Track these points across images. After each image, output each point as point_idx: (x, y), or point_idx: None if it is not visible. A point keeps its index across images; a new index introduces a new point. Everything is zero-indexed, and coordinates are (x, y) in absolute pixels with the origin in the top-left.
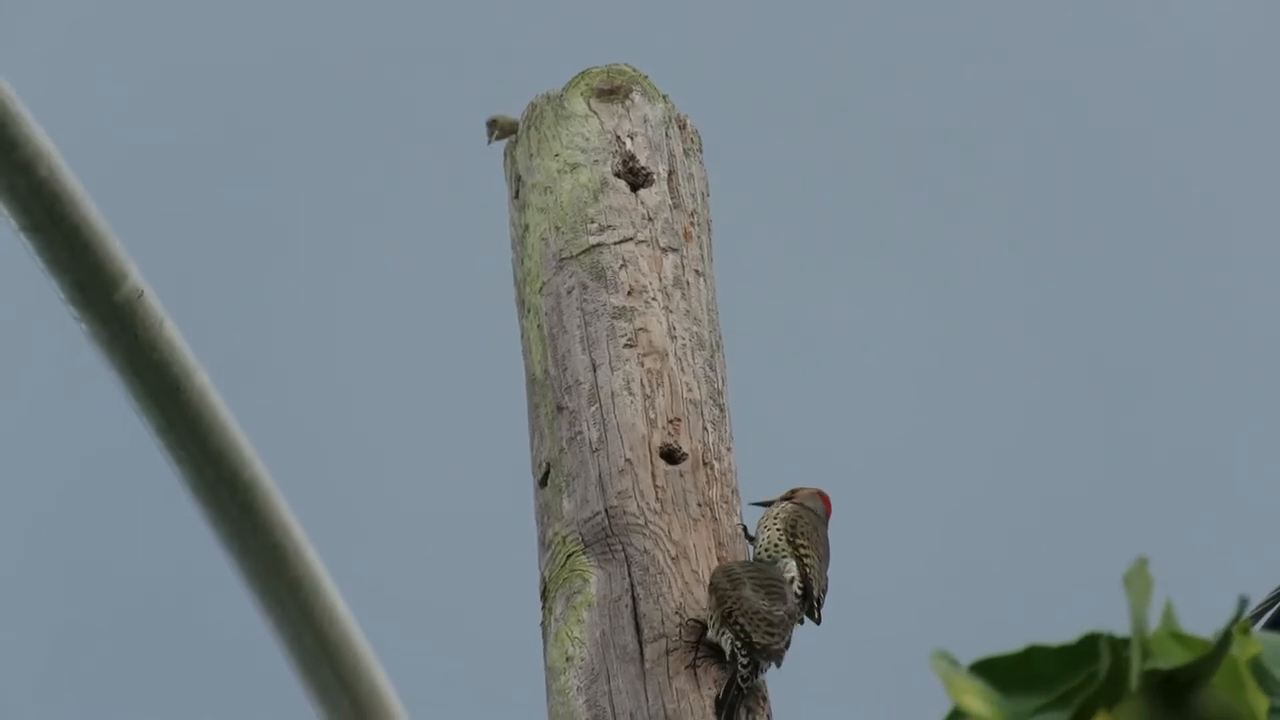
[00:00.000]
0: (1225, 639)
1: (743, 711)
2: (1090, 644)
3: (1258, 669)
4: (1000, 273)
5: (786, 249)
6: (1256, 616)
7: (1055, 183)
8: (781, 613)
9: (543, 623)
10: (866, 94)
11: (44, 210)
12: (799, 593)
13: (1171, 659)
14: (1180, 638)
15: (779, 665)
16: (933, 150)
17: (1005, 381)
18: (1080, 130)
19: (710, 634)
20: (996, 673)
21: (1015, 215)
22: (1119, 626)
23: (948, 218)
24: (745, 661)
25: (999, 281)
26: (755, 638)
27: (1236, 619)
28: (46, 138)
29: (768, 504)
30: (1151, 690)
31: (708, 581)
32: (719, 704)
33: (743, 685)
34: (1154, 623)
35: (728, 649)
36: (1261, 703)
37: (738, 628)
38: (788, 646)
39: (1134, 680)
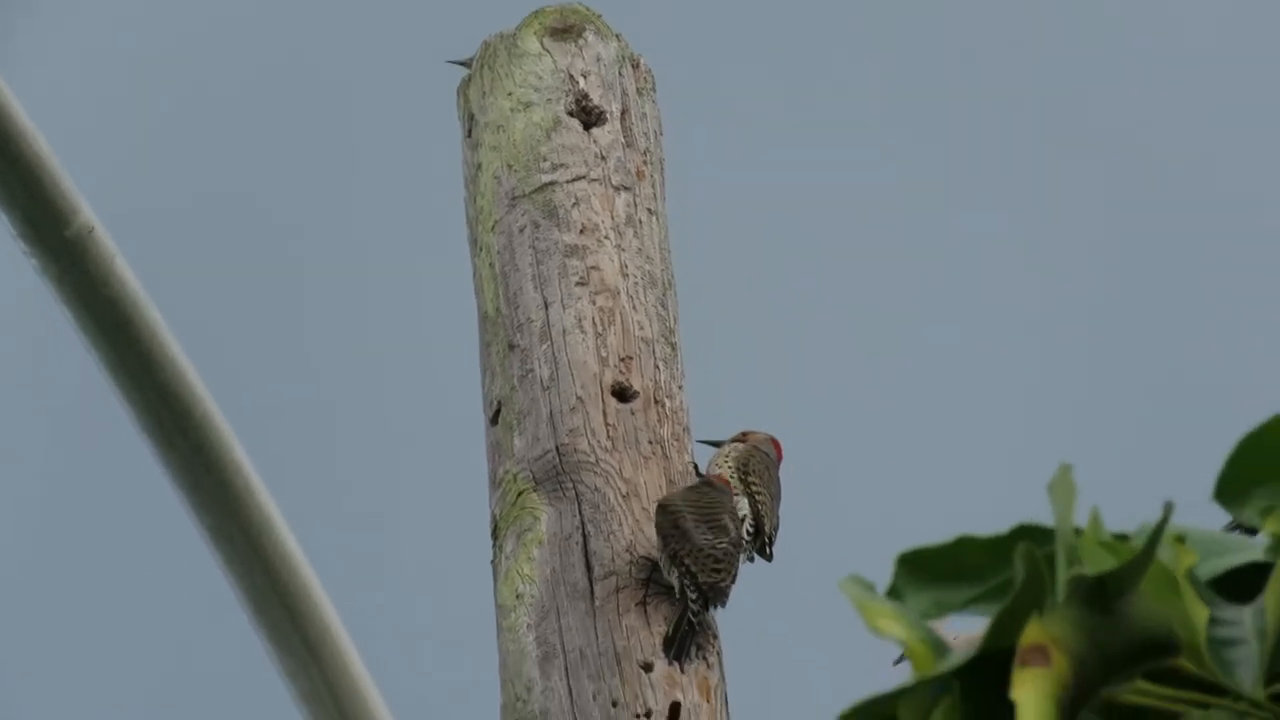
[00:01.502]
0: (1151, 544)
1: (692, 649)
2: (1021, 535)
3: (1195, 579)
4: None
5: (740, 187)
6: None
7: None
8: (725, 544)
9: (493, 560)
10: (821, 32)
11: None
12: (751, 530)
13: (1099, 566)
14: (1108, 545)
15: (723, 605)
16: (891, 77)
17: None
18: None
19: (663, 571)
20: (925, 564)
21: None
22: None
23: (906, 147)
24: (695, 598)
25: (950, 205)
26: (702, 577)
27: (1163, 523)
28: None
29: (718, 444)
30: (1081, 597)
31: (657, 519)
32: (668, 642)
33: (694, 621)
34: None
35: (677, 586)
36: (1201, 612)
37: (684, 568)
38: (734, 581)
39: (1060, 588)
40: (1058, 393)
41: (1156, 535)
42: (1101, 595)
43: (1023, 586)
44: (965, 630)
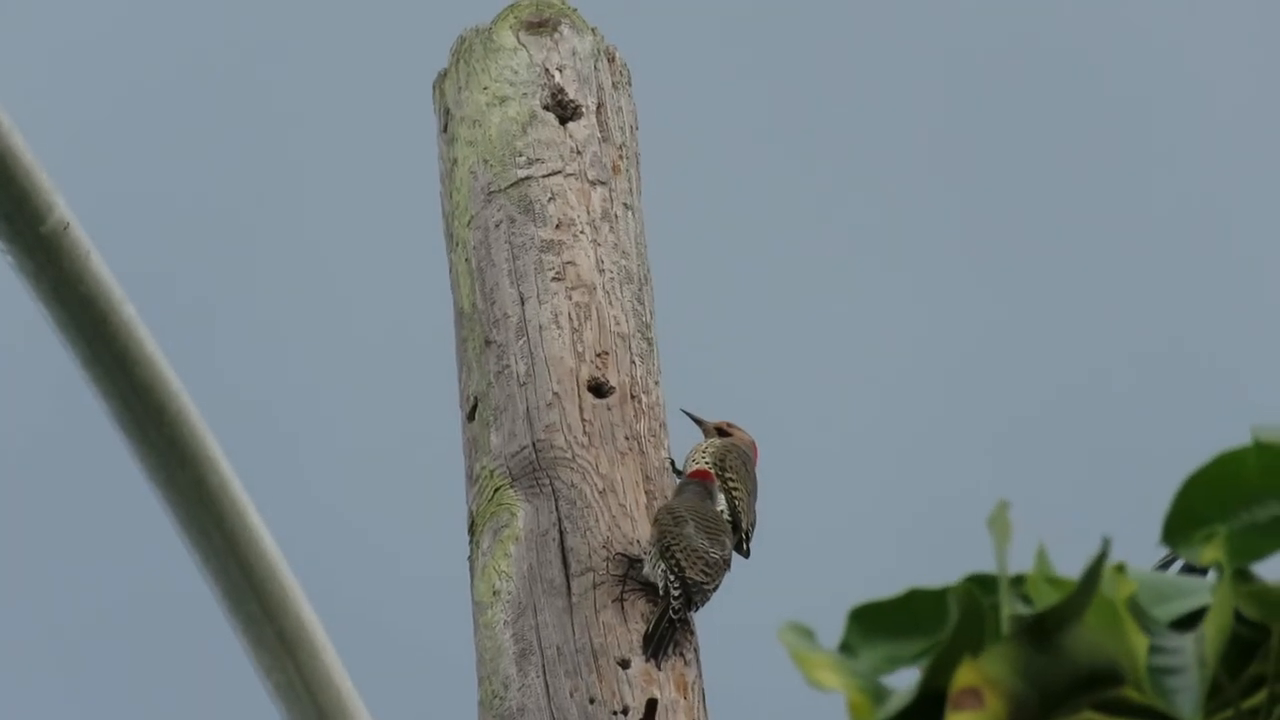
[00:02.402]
0: (1090, 577)
1: (670, 647)
2: (971, 585)
3: (1135, 609)
4: (935, 197)
5: (717, 182)
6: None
7: (999, 101)
8: (718, 556)
9: (470, 557)
10: (798, 20)
11: None
12: (728, 521)
13: (1045, 601)
14: (1053, 580)
15: (702, 605)
16: (865, 73)
17: (942, 313)
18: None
19: (646, 568)
20: (877, 617)
21: (945, 132)
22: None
23: (880, 142)
24: (678, 595)
25: (932, 206)
26: (689, 573)
27: (1101, 557)
28: None
29: (700, 421)
30: (1020, 635)
31: (652, 517)
32: (647, 639)
33: (674, 618)
34: (1027, 566)
35: (661, 583)
36: (1141, 642)
37: (673, 561)
38: (715, 590)
39: (1004, 625)
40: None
41: (1096, 569)
42: (1041, 631)
43: (958, 627)
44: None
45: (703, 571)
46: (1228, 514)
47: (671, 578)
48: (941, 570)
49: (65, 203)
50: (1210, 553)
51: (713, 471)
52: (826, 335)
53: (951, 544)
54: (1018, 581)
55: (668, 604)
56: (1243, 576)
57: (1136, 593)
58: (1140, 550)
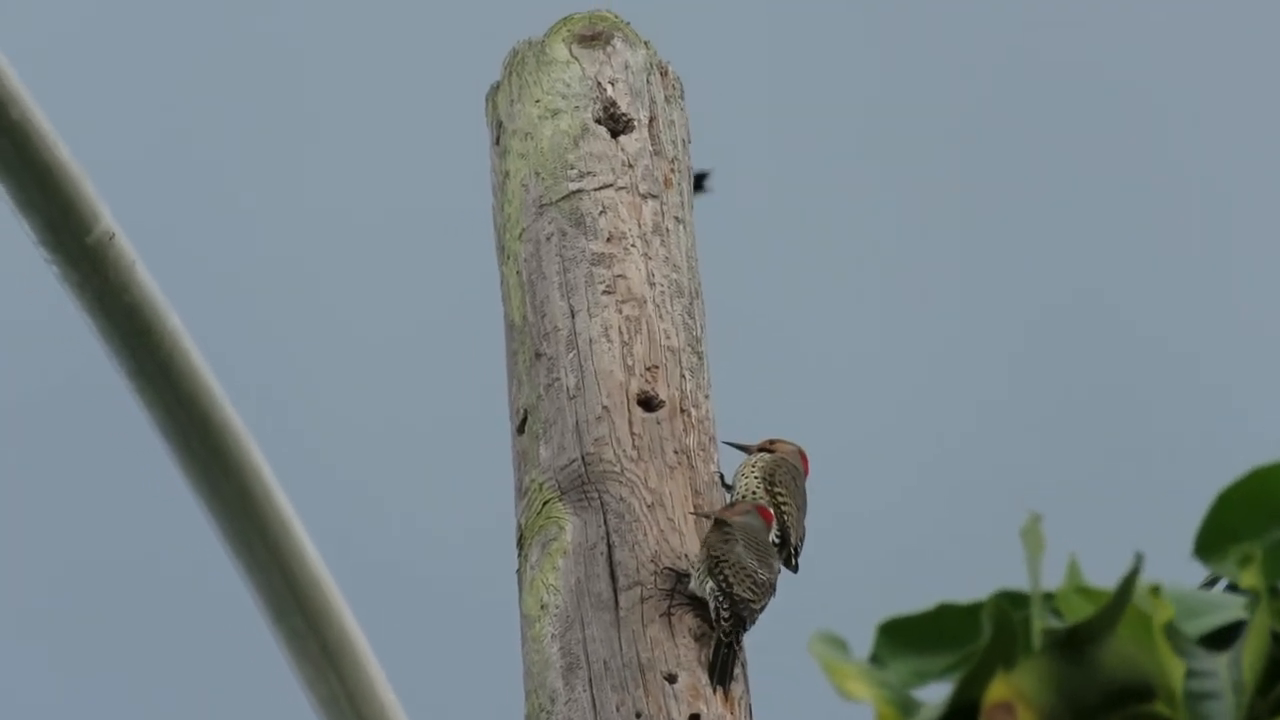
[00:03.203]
0: (1123, 592)
1: (735, 669)
2: (1001, 600)
3: (1172, 632)
4: (981, 212)
5: (769, 197)
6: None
7: (1015, 120)
8: (765, 578)
9: (518, 570)
10: (847, 40)
11: (16, 151)
12: (776, 540)
13: (1077, 614)
14: (1086, 592)
15: (749, 626)
16: (911, 96)
17: (992, 328)
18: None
19: (693, 584)
20: (906, 632)
21: (985, 162)
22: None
23: (926, 159)
24: (728, 616)
25: (981, 226)
26: (738, 590)
27: (1134, 573)
28: (19, 80)
29: (744, 447)
30: (1053, 648)
31: (707, 530)
32: (711, 667)
33: (725, 639)
34: (1059, 579)
35: (711, 601)
36: (1177, 667)
37: (721, 578)
38: (762, 611)
39: (1035, 638)
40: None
41: (1128, 583)
42: (1074, 645)
43: (991, 641)
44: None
45: (750, 588)
46: (1261, 530)
47: (720, 596)
48: (974, 576)
49: (110, 213)
50: (1248, 578)
51: (761, 487)
52: (876, 348)
53: (984, 554)
54: (1048, 597)
55: (717, 627)
56: (1275, 594)
57: (1180, 621)
58: (1161, 553)
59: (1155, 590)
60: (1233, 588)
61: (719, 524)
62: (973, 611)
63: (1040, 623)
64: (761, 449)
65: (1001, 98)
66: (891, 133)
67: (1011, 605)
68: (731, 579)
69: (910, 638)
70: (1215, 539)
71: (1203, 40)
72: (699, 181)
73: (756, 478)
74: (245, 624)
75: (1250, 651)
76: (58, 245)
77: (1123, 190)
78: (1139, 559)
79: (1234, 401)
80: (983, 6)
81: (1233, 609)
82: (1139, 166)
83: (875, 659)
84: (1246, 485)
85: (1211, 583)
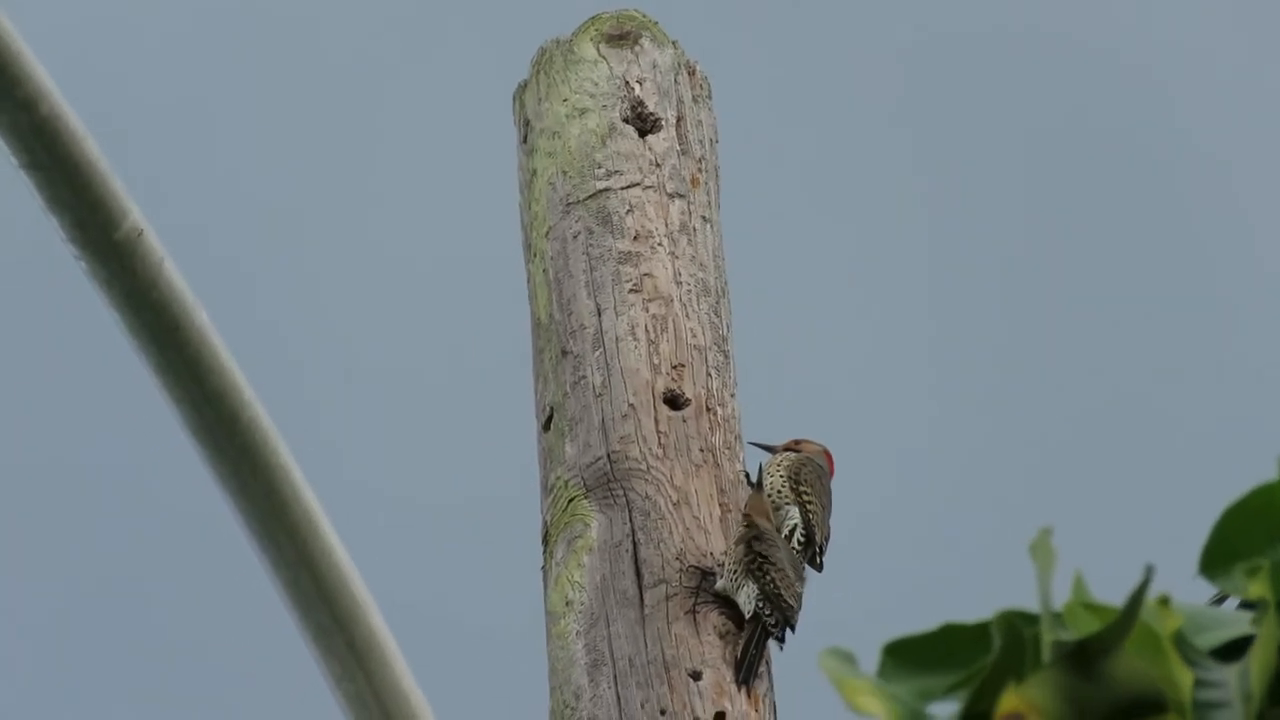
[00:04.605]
0: (1133, 605)
1: (761, 667)
2: (1006, 620)
3: (1181, 643)
4: (1009, 224)
5: (795, 196)
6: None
7: (1046, 135)
8: (800, 590)
9: (544, 567)
10: (876, 41)
11: (45, 148)
12: (802, 540)
13: (1083, 629)
14: (1092, 607)
15: (794, 628)
16: (944, 98)
17: (1009, 329)
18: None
19: (722, 583)
20: (911, 652)
21: (1016, 169)
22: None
23: (956, 166)
24: (770, 615)
25: (1008, 231)
26: (786, 596)
27: (1144, 585)
28: (49, 76)
29: (769, 447)
30: (1063, 661)
31: (739, 531)
32: (739, 664)
33: (772, 632)
34: (1064, 594)
35: (749, 605)
36: (1186, 677)
37: (769, 581)
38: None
39: (1045, 651)
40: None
41: (1138, 596)
42: (1084, 657)
43: (1001, 654)
44: None
45: (795, 597)
46: (1264, 546)
47: (762, 603)
48: (985, 581)
49: (138, 210)
50: (1256, 588)
51: (787, 486)
52: (901, 348)
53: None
54: (1055, 615)
55: (759, 626)
56: None
57: (1183, 626)
58: (1168, 566)
59: (1164, 601)
60: (1243, 604)
61: (753, 526)
62: (977, 631)
63: (1050, 636)
64: (787, 449)
65: (1026, 100)
66: (917, 132)
67: (1020, 622)
68: (779, 582)
69: (915, 657)
70: (1220, 556)
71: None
72: None
73: (783, 476)
74: (272, 622)
75: (1258, 661)
76: (86, 242)
77: (1125, 191)
78: (1149, 571)
79: (1238, 408)
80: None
81: (1242, 623)
82: (1146, 149)
83: (881, 678)
84: (1250, 502)
85: (1220, 600)
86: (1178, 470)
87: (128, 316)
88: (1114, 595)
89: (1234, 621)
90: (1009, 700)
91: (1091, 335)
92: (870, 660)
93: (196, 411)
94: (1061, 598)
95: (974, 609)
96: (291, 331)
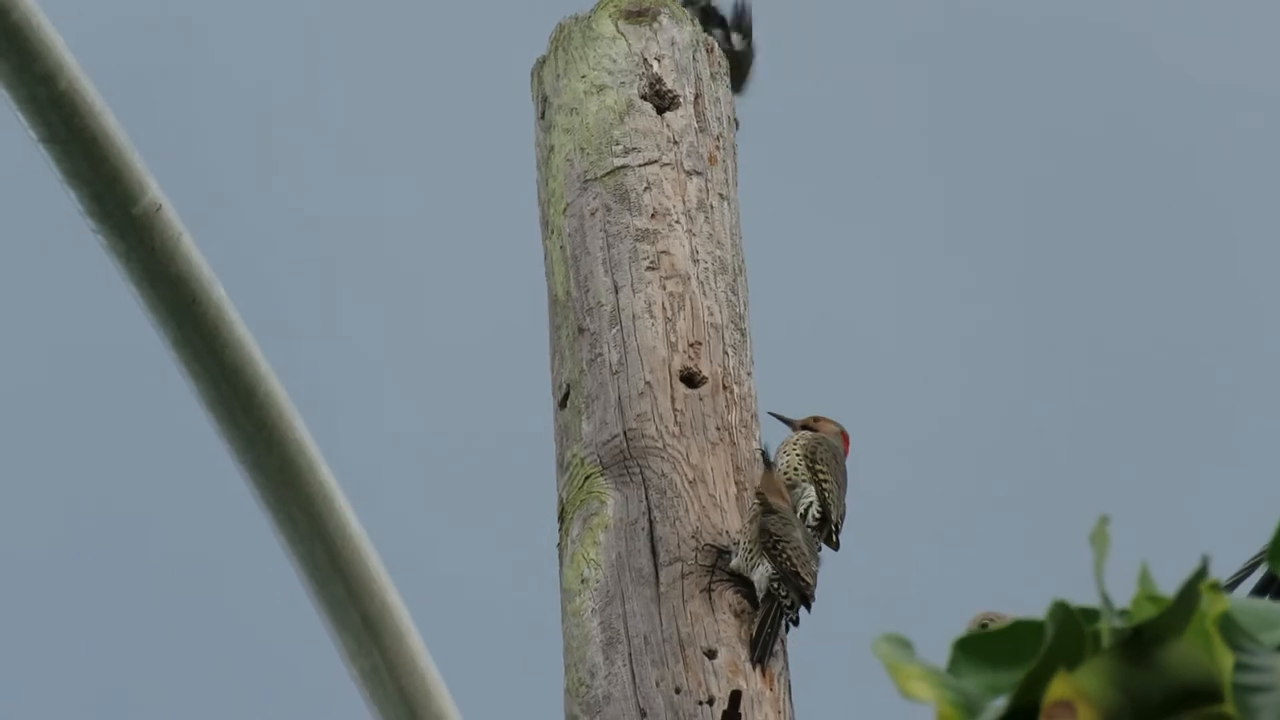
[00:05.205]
0: (1187, 594)
1: (775, 646)
2: (1058, 611)
3: (1227, 624)
4: (1024, 208)
5: (811, 176)
6: (1231, 586)
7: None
8: (815, 568)
9: (559, 544)
10: (894, 21)
11: (63, 122)
12: (817, 518)
13: (1145, 619)
14: (1155, 599)
15: (810, 606)
16: (963, 79)
17: (1027, 315)
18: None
19: (737, 562)
20: (981, 648)
21: (1034, 155)
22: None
23: (973, 148)
24: (785, 595)
25: (1021, 204)
26: (804, 573)
27: (1200, 574)
28: (68, 50)
29: (788, 421)
30: (1116, 649)
31: (753, 510)
32: (754, 642)
33: (787, 611)
34: (1129, 583)
35: (764, 584)
36: (1226, 658)
37: (785, 559)
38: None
39: (1104, 641)
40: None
41: (1193, 585)
42: (1138, 645)
43: (1054, 642)
44: None
45: (811, 574)
46: None
47: (777, 582)
48: (1015, 561)
49: (157, 185)
50: None
51: (803, 464)
52: (918, 328)
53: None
54: (1112, 604)
55: (774, 604)
56: None
57: (1238, 617)
58: (1216, 531)
59: (1214, 586)
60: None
61: (767, 505)
62: (1045, 626)
63: (1106, 623)
64: (805, 426)
65: (1055, 73)
66: (941, 114)
67: (1078, 616)
68: (795, 559)
69: (985, 652)
70: None
71: None
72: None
73: (799, 455)
74: (289, 599)
75: None
76: (104, 216)
77: (1156, 158)
78: (1205, 560)
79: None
80: None
81: None
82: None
83: (950, 673)
84: None
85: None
86: (1219, 440)
87: (145, 290)
88: (1159, 564)
89: None
90: (1058, 687)
91: (1117, 312)
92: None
93: (213, 385)
94: (1125, 589)
95: (981, 598)
96: (312, 310)
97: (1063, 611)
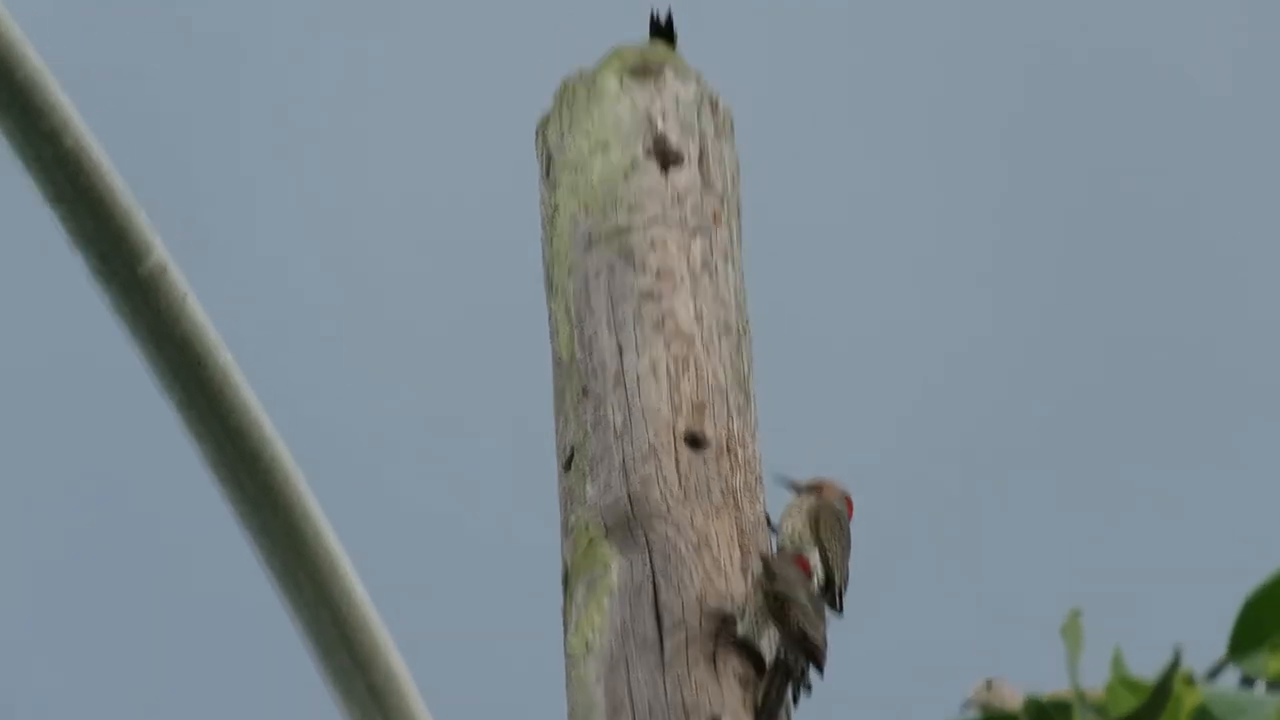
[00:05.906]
0: (1163, 686)
1: (782, 714)
2: (1032, 709)
3: (1201, 716)
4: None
5: (818, 233)
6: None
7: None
8: (824, 630)
9: (563, 609)
10: (901, 77)
11: (69, 181)
12: (821, 581)
13: (1121, 707)
14: (1130, 684)
15: (822, 669)
16: (970, 140)
17: (1043, 378)
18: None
19: (743, 628)
20: None
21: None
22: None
23: (986, 205)
24: (796, 663)
25: (1032, 248)
26: (812, 634)
27: (1174, 666)
28: (73, 107)
29: (793, 484)
30: None
31: (756, 573)
32: (759, 711)
33: (796, 677)
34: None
35: (772, 650)
36: None
37: (792, 622)
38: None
39: None
40: None
41: (1169, 678)
42: None
43: None
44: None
45: (821, 637)
46: None
47: (785, 648)
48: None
49: (162, 244)
50: (1276, 664)
51: (807, 528)
52: (922, 389)
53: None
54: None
55: (779, 671)
56: None
57: (1211, 707)
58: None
59: (1187, 679)
60: (1272, 685)
61: (770, 569)
62: None
63: (1081, 718)
64: (810, 487)
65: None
66: (941, 163)
67: (1051, 710)
68: (803, 621)
69: None
70: (1247, 639)
71: None
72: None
73: (803, 519)
74: (290, 660)
75: None
76: (110, 276)
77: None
78: (1178, 652)
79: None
80: None
81: (1269, 707)
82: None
83: None
84: (1274, 588)
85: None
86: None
87: (150, 351)
88: (1159, 556)
89: (1268, 705)
90: None
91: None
92: None
93: (218, 448)
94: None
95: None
96: (317, 373)
97: (1037, 711)
